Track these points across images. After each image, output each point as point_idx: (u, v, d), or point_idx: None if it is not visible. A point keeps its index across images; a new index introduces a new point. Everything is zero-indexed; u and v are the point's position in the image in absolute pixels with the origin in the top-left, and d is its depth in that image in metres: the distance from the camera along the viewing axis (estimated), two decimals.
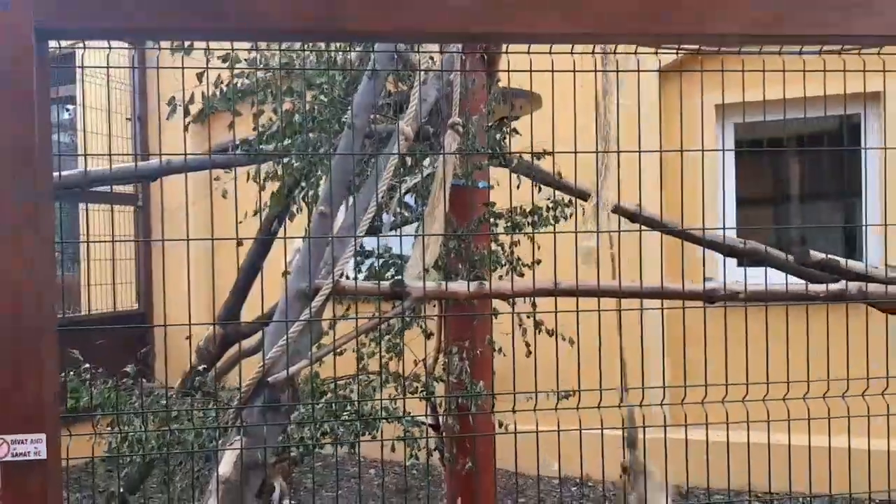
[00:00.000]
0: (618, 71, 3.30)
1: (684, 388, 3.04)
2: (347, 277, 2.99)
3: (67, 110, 8.02)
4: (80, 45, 2.38)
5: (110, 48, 2.23)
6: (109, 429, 2.89)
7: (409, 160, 3.29)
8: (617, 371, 2.94)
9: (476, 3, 1.81)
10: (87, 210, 6.76)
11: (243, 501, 2.48)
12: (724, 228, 4.16)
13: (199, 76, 2.83)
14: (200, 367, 4.23)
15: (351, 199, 2.93)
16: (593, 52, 3.26)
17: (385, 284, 2.75)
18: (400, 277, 2.76)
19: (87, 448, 3.05)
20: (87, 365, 3.00)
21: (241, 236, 2.67)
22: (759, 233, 6.42)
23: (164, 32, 2.05)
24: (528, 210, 3.65)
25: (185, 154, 2.85)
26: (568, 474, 5.93)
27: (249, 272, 4.46)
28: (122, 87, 6.73)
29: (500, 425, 3.56)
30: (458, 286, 2.75)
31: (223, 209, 2.75)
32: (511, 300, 3.61)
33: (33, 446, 1.79)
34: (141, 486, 4.25)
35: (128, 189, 7.04)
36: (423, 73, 2.96)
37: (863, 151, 5.14)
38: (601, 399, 2.90)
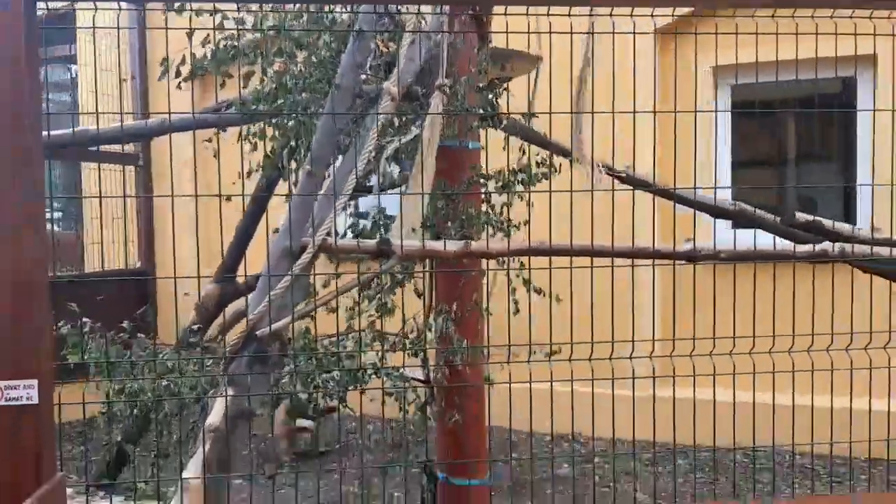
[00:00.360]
0: (613, 33, 3.31)
1: (673, 342, 3.11)
2: (338, 235, 3.07)
3: (69, 69, 8.05)
4: (75, 5, 2.43)
5: (96, 9, 2.28)
6: (106, 382, 2.99)
7: (396, 121, 3.34)
8: (608, 330, 2.98)
9: None
10: (99, 170, 6.83)
11: (230, 450, 2.58)
12: (714, 188, 4.18)
13: (189, 36, 2.87)
14: (196, 324, 4.33)
15: (339, 160, 2.99)
16: (591, 14, 3.29)
17: (370, 243, 2.81)
18: (386, 237, 2.82)
19: (88, 402, 3.16)
20: (86, 319, 3.09)
21: (236, 197, 2.74)
22: (757, 194, 6.47)
23: None
24: (517, 170, 3.70)
25: (170, 113, 2.88)
26: (560, 431, 6.04)
27: (245, 232, 4.54)
28: (122, 46, 6.75)
29: (488, 380, 3.66)
30: (440, 245, 2.81)
31: (223, 170, 2.83)
32: (501, 260, 3.69)
33: (25, 391, 1.88)
34: (139, 438, 4.38)
35: (130, 149, 7.09)
36: (409, 33, 2.98)
37: (857, 114, 5.14)
38: (592, 352, 2.95)
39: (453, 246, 2.88)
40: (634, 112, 3.12)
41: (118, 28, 3.91)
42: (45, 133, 2.47)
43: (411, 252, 2.84)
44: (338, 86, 2.81)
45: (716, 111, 3.65)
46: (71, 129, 4.12)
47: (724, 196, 5.02)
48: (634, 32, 3.21)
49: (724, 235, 4.30)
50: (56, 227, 8.64)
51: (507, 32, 3.16)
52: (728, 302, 3.52)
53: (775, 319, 3.55)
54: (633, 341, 3.26)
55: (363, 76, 3.38)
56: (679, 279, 5.18)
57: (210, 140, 3.19)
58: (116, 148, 6.76)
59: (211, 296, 4.73)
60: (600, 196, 3.21)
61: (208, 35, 3.19)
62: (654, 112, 3.75)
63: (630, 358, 3.38)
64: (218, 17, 3.25)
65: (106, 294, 4.44)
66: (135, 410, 3.08)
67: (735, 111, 5.78)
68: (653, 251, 2.94)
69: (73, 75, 7.60)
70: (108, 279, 6.58)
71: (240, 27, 3.27)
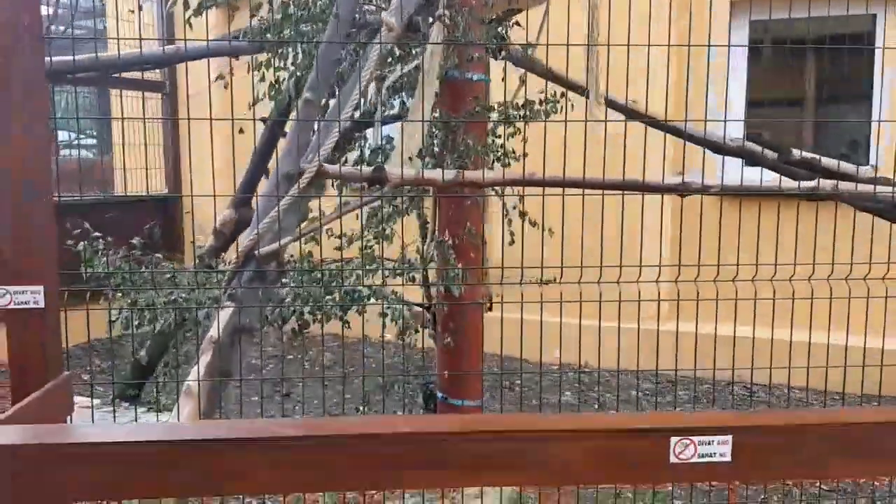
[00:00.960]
0: None
1: (679, 268, 3.20)
2: (346, 163, 3.20)
3: None
4: None
5: None
6: (121, 295, 3.19)
7: (397, 51, 3.42)
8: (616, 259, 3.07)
9: None
10: (121, 95, 7.00)
11: (230, 362, 2.77)
12: (724, 121, 4.19)
13: None
14: (215, 247, 4.52)
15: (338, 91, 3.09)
16: None
17: (366, 170, 2.93)
18: (380, 163, 2.94)
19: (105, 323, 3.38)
20: (98, 234, 3.28)
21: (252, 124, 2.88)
22: (781, 133, 6.44)
23: None
24: (520, 104, 3.77)
25: (185, 40, 2.99)
26: (566, 361, 6.21)
27: (261, 158, 4.68)
28: None
29: (486, 305, 3.81)
30: (435, 174, 2.93)
31: (239, 99, 2.96)
32: (499, 190, 3.80)
33: (32, 296, 2.07)
34: (161, 353, 4.62)
35: (156, 76, 7.25)
36: None
37: (877, 51, 5.08)
38: (601, 275, 3.05)
39: (448, 175, 2.99)
40: (649, 45, 3.16)
41: None
42: (55, 58, 2.59)
43: (406, 180, 2.96)
44: (336, 15, 2.89)
45: (728, 46, 3.64)
46: (95, 55, 4.27)
47: (737, 134, 5.04)
48: None
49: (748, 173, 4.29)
50: (89, 154, 8.91)
51: None
52: (733, 236, 3.61)
53: (777, 252, 3.64)
54: (640, 266, 3.33)
55: (367, 6, 3.46)
56: (686, 214, 5.25)
57: (221, 76, 3.30)
58: (141, 75, 6.91)
59: (228, 220, 4.92)
60: (611, 130, 3.27)
61: None
62: (668, 45, 3.77)
63: (637, 282, 3.46)
64: None
65: (133, 218, 4.65)
66: (148, 325, 3.29)
67: (750, 46, 5.72)
68: (642, 184, 3.01)
69: (101, 2, 7.72)
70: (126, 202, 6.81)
71: None
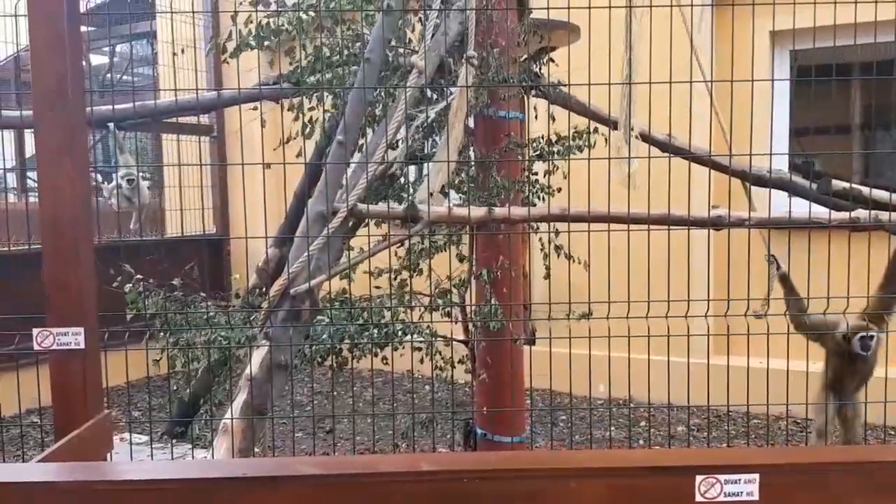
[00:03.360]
0: (672, 5, 3.33)
1: (728, 302, 3.16)
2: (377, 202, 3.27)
3: (151, 44, 8.50)
4: None
5: None
6: (163, 335, 3.29)
7: (429, 92, 3.48)
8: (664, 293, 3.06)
9: None
10: (178, 140, 7.24)
11: (271, 398, 2.82)
12: (770, 154, 4.14)
13: (234, 17, 3.09)
14: (258, 286, 4.61)
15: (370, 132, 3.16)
16: None
17: (398, 208, 2.98)
18: (412, 202, 2.99)
19: (153, 364, 3.49)
20: (140, 277, 3.40)
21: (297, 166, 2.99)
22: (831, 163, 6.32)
23: None
24: (553, 140, 3.80)
25: (218, 90, 3.11)
26: (616, 395, 6.12)
27: (303, 198, 4.78)
28: (198, 22, 7.10)
29: (522, 340, 3.80)
30: (463, 211, 2.96)
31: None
32: (535, 226, 3.81)
33: (74, 338, 2.15)
34: (208, 391, 4.71)
35: (205, 120, 7.48)
36: (437, 9, 3.11)
37: None
38: (648, 310, 3.02)
39: (477, 211, 3.02)
40: (691, 81, 3.16)
41: (192, 12, 4.21)
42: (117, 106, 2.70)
43: (437, 217, 3.00)
44: (367, 59, 2.97)
45: (772, 80, 3.63)
46: (154, 102, 4.45)
47: (782, 165, 4.96)
48: (692, 4, 3.24)
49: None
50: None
51: (547, 8, 3.25)
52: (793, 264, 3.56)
53: (829, 284, 3.57)
54: (688, 301, 3.29)
55: (400, 49, 3.54)
56: (733, 246, 5.18)
57: (263, 123, 3.44)
58: (193, 119, 7.15)
59: (272, 258, 5.02)
60: (655, 166, 3.26)
61: (250, 15, 3.40)
62: (710, 81, 3.75)
63: (685, 316, 3.40)
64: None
65: (185, 258, 4.77)
66: (185, 365, 3.38)
67: (793, 80, 5.66)
68: (668, 217, 3.00)
69: (155, 50, 8.02)
70: (172, 242, 7.00)
71: (280, 9, 3.47)
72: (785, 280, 3.56)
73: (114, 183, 4.63)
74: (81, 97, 2.19)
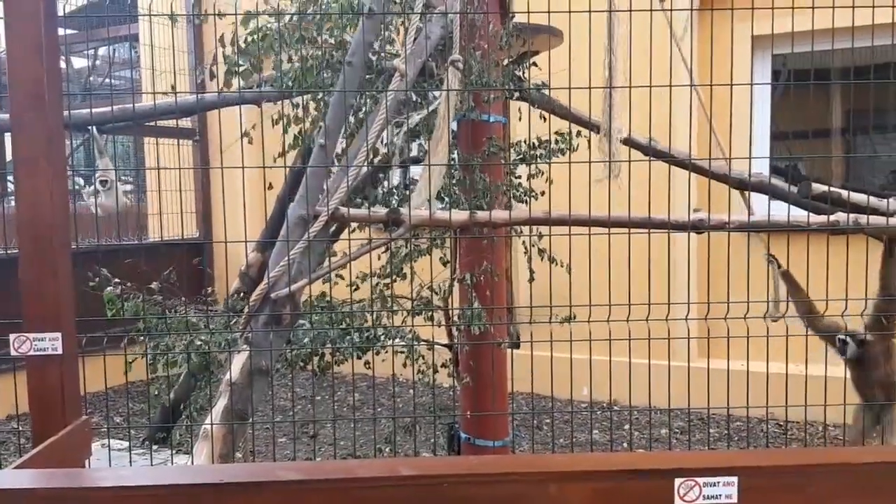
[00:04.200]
0: (651, 10, 3.34)
1: (707, 305, 3.18)
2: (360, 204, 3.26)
3: (134, 48, 8.44)
4: None
5: None
6: (142, 339, 3.26)
7: (413, 96, 3.48)
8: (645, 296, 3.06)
9: None
10: (156, 144, 7.20)
11: (251, 402, 2.80)
12: (749, 158, 4.17)
13: (220, 39, 3.08)
14: (240, 290, 4.59)
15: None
16: None
17: (380, 212, 2.98)
18: (395, 206, 2.98)
19: (137, 370, 3.46)
20: (118, 281, 3.37)
21: (275, 165, 2.98)
22: (815, 166, 6.37)
23: None
24: (536, 143, 3.80)
25: (198, 93, 3.09)
26: (596, 398, 6.14)
27: (285, 202, 4.77)
28: (181, 28, 7.07)
29: (505, 343, 3.80)
30: (446, 214, 2.96)
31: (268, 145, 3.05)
32: (518, 229, 3.82)
33: (51, 343, 2.13)
34: (189, 396, 4.68)
35: (187, 124, 7.44)
36: (418, 13, 3.11)
37: None
38: (629, 313, 3.03)
39: (459, 215, 3.02)
40: (671, 86, 3.17)
41: (171, 15, 4.19)
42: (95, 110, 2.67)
43: (419, 221, 3.00)
44: (349, 63, 2.96)
45: (751, 84, 3.65)
46: (132, 105, 4.42)
47: (763, 168, 5.00)
48: (672, 9, 3.25)
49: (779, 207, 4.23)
50: (126, 200, 9.13)
51: (528, 12, 3.25)
52: (762, 271, 3.58)
53: (808, 287, 3.59)
54: (668, 304, 3.30)
55: (382, 53, 3.53)
56: (713, 250, 5.22)
57: (247, 134, 3.42)
58: (175, 123, 7.10)
59: (254, 262, 5.00)
60: (636, 170, 3.28)
61: (234, 34, 3.39)
62: (691, 85, 3.77)
63: (666, 319, 3.41)
64: (242, 10, 3.45)
65: (166, 262, 4.73)
66: (165, 369, 3.35)
67: (773, 83, 5.71)
68: (649, 220, 3.01)
69: (137, 53, 7.97)
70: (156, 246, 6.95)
71: (260, 12, 3.45)
72: (787, 277, 3.58)
73: (93, 186, 4.59)
74: (59, 101, 2.17)
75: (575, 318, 3.44)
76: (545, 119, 3.83)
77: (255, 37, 3.52)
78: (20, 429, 5.29)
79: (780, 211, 3.78)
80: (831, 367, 3.64)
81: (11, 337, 2.11)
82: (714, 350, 5.36)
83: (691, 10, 4.46)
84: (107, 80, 9.18)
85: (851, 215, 3.33)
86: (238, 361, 2.81)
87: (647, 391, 3.65)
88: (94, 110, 3.79)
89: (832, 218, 3.33)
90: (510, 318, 4.37)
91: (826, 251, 3.38)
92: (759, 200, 4.46)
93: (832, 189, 3.60)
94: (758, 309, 3.41)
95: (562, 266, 3.50)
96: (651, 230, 3.26)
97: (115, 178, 5.31)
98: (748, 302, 3.35)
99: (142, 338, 3.30)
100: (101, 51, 9.25)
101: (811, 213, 3.53)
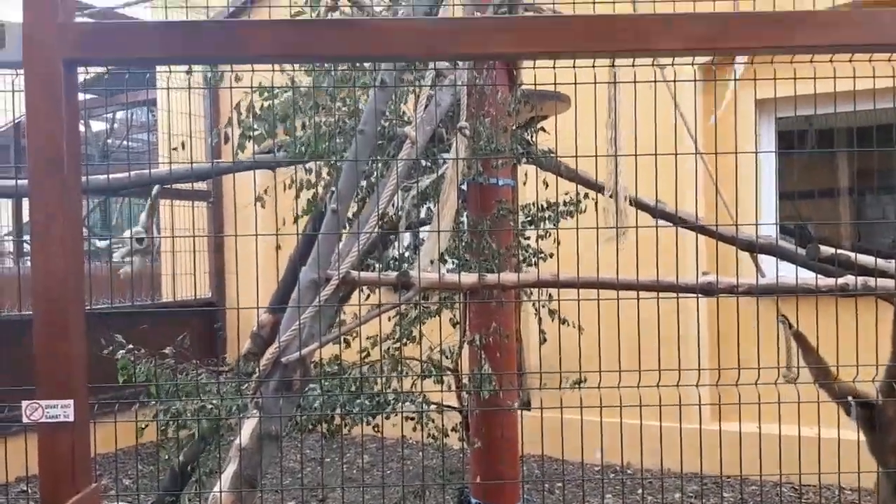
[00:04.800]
0: (655, 81, 3.40)
1: (718, 372, 3.17)
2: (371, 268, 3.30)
3: (151, 112, 8.64)
4: None
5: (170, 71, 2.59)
6: (153, 402, 3.28)
7: (423, 162, 3.55)
8: (654, 360, 3.06)
9: (433, 29, 2.05)
10: (171, 206, 7.32)
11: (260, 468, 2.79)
12: (756, 224, 4.21)
13: (236, 107, 3.18)
14: (251, 351, 4.61)
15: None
16: (612, 65, 3.40)
17: (391, 276, 3.01)
18: (405, 269, 3.01)
19: (145, 431, 3.47)
20: (131, 346, 3.40)
21: (288, 232, 3.04)
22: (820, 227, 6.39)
23: (171, 59, 2.37)
24: (544, 206, 3.85)
25: (213, 162, 3.17)
26: (608, 461, 6.07)
27: (295, 267, 4.81)
28: (198, 94, 7.25)
29: (517, 405, 3.79)
30: (454, 277, 2.99)
31: (281, 208, 3.13)
32: (528, 291, 3.84)
33: (63, 410, 2.14)
34: (196, 459, 4.66)
35: (202, 185, 7.56)
36: (428, 85, 3.20)
37: None
38: (640, 379, 3.02)
39: (468, 278, 3.05)
40: (676, 154, 3.23)
41: (189, 88, 4.31)
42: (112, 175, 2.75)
43: (429, 284, 3.02)
44: (361, 131, 3.03)
45: (756, 152, 3.70)
46: (148, 170, 4.52)
47: (770, 230, 5.03)
48: (675, 80, 3.32)
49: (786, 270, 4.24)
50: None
51: (535, 84, 3.33)
52: (772, 334, 3.58)
53: (819, 351, 3.58)
54: (678, 370, 3.30)
55: (394, 120, 3.62)
56: (723, 313, 5.21)
57: (261, 197, 3.50)
58: (191, 185, 7.23)
59: (266, 323, 5.02)
60: (643, 231, 3.31)
61: (250, 100, 3.49)
62: (696, 154, 3.81)
63: (677, 386, 3.41)
64: (257, 80, 3.56)
65: (178, 322, 4.78)
66: (175, 432, 3.36)
67: (780, 152, 5.79)
68: (657, 283, 3.03)
69: (154, 117, 8.16)
70: (170, 309, 7.00)
71: (277, 88, 3.55)
72: (800, 338, 3.56)
73: (125, 247, 4.63)
74: (77, 166, 2.22)
75: (585, 381, 3.44)
76: (547, 185, 3.88)
77: (271, 103, 3.62)
78: (29, 491, 5.26)
79: (789, 271, 3.81)
80: (845, 430, 3.60)
81: (24, 404, 2.12)
82: (726, 413, 5.31)
83: (695, 80, 4.53)
84: (124, 143, 9.38)
85: (860, 278, 3.34)
86: (248, 427, 2.81)
87: (659, 453, 3.62)
88: (111, 176, 3.88)
89: (841, 281, 3.33)
90: (521, 381, 4.36)
91: (835, 314, 3.38)
92: (767, 261, 4.48)
93: (840, 252, 3.61)
94: (769, 375, 3.39)
95: (573, 326, 3.51)
96: (660, 293, 3.28)
97: (150, 236, 5.35)
98: (759, 368, 3.34)
99: (153, 402, 3.31)
100: (119, 114, 9.48)
101: (820, 276, 3.53)
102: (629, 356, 3.05)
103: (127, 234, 4.87)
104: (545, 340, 3.67)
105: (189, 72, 3.37)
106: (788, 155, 6.05)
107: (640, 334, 2.99)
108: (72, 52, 2.13)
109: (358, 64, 3.44)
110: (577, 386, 3.34)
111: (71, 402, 2.15)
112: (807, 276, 3.61)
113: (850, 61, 2.65)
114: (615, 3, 2.79)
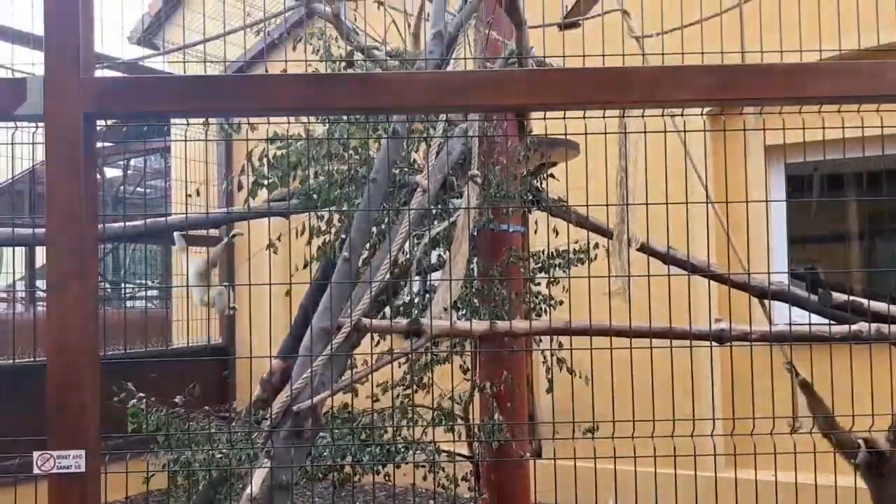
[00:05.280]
0: (665, 132, 3.43)
1: (733, 421, 3.14)
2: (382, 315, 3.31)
3: (164, 159, 8.76)
4: None
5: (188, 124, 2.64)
6: (163, 452, 3.27)
7: (434, 210, 3.58)
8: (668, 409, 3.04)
9: (444, 82, 2.09)
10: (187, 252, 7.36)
11: None
12: (768, 273, 4.19)
13: (248, 156, 3.24)
14: (261, 398, 4.59)
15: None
16: (622, 115, 3.43)
17: (402, 323, 3.01)
18: (416, 316, 3.02)
19: (155, 478, 3.45)
20: (142, 395, 3.41)
21: (300, 281, 3.06)
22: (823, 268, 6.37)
23: (189, 113, 2.41)
24: (555, 253, 3.86)
25: (228, 210, 3.20)
26: None
27: (306, 311, 4.82)
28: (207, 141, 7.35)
29: (527, 455, 3.75)
30: (466, 325, 2.99)
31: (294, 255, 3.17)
32: (538, 341, 3.83)
33: (74, 461, 2.14)
34: None
35: (215, 232, 7.62)
36: (440, 137, 3.24)
37: None
38: (654, 429, 3.00)
39: (479, 325, 3.05)
40: (687, 203, 3.24)
41: (206, 140, 4.38)
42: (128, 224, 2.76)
43: (440, 331, 3.03)
44: (373, 180, 3.07)
45: (767, 201, 3.73)
46: (165, 218, 4.57)
47: (782, 277, 5.00)
48: (685, 130, 3.36)
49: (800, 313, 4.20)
50: (152, 304, 9.29)
51: (546, 134, 3.36)
52: (786, 381, 3.55)
53: (833, 399, 3.54)
54: (693, 420, 3.28)
55: (404, 169, 3.65)
56: (736, 360, 5.17)
57: (273, 243, 3.54)
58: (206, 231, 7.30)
59: (276, 370, 5.02)
60: (655, 278, 3.31)
61: (264, 150, 3.55)
62: (707, 203, 3.82)
63: (692, 436, 3.37)
64: (272, 130, 3.62)
65: (190, 368, 4.76)
66: (184, 481, 3.34)
67: (788, 201, 5.81)
68: (670, 331, 3.02)
69: (168, 164, 8.27)
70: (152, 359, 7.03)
71: (291, 138, 3.60)
72: (807, 387, 3.52)
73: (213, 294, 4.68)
74: (94, 219, 2.25)
75: (598, 429, 3.41)
76: (557, 233, 3.90)
77: (285, 152, 3.67)
78: None
79: (802, 317, 3.79)
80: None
81: (35, 454, 2.12)
82: (741, 460, 5.23)
83: (704, 131, 4.57)
84: (138, 189, 9.49)
85: (873, 325, 3.32)
86: (259, 476, 2.80)
87: (674, 502, 3.57)
88: (127, 224, 3.92)
89: (854, 328, 3.32)
90: (532, 428, 4.32)
91: (849, 361, 3.35)
92: (779, 308, 4.45)
93: (853, 298, 3.60)
94: (783, 424, 3.35)
95: (579, 376, 3.49)
96: (672, 340, 3.27)
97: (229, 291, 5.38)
98: (773, 417, 3.30)
99: (162, 451, 3.30)
100: (133, 161, 9.61)
101: (833, 323, 3.52)
102: (642, 403, 3.03)
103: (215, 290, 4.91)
104: (550, 389, 3.64)
105: (206, 123, 3.43)
106: (798, 193, 6.07)
107: (652, 381, 2.97)
108: (92, 107, 2.17)
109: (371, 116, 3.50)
110: (589, 433, 3.31)
111: (82, 452, 2.15)
112: (820, 322, 3.60)
113: (858, 111, 2.67)
114: (625, 56, 2.83)
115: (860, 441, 3.41)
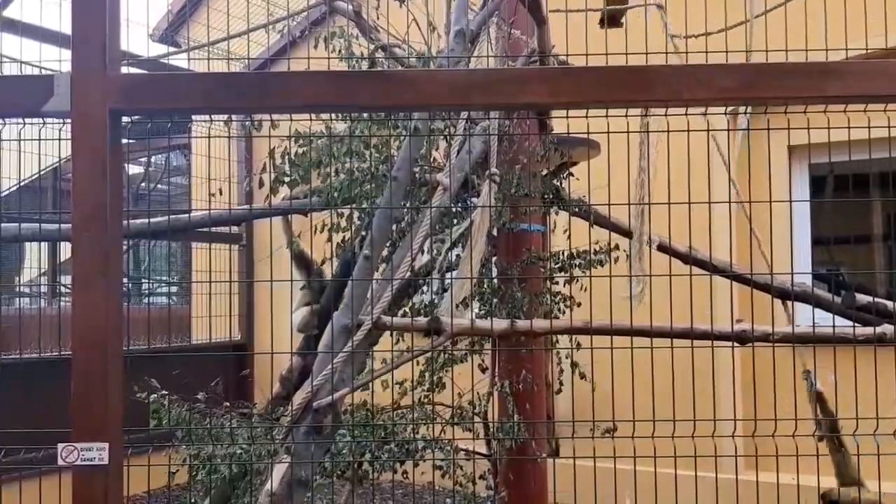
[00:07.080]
0: (688, 131, 3.41)
1: (755, 423, 3.12)
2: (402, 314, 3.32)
3: (185, 156, 8.83)
4: None
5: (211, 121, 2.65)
6: (184, 447, 3.29)
7: (454, 208, 3.58)
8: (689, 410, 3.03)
9: (466, 80, 2.09)
10: (209, 248, 7.43)
11: None
12: (791, 273, 4.15)
13: (271, 154, 3.26)
14: (281, 395, 4.62)
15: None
16: (645, 115, 3.41)
17: (422, 321, 3.02)
18: (436, 315, 3.02)
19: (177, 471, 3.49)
20: (164, 392, 3.44)
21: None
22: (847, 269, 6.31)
23: (213, 109, 2.43)
24: (575, 254, 3.85)
25: (251, 207, 3.22)
26: None
27: (326, 310, 4.84)
28: (232, 139, 7.41)
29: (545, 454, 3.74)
30: (485, 323, 2.99)
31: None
32: (555, 338, 3.82)
33: (98, 453, 2.16)
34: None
35: (234, 228, 7.68)
36: (461, 135, 3.24)
37: None
38: (674, 430, 2.99)
39: (499, 324, 3.05)
40: (710, 202, 3.22)
41: (228, 137, 4.41)
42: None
43: (460, 330, 3.03)
44: (394, 178, 3.08)
45: (790, 201, 3.69)
46: (188, 215, 4.61)
47: (805, 278, 4.96)
48: (708, 129, 3.34)
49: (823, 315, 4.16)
50: (173, 300, 9.38)
51: (567, 133, 3.34)
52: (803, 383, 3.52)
53: (858, 400, 3.50)
54: (714, 420, 3.26)
55: (424, 167, 3.66)
56: (758, 361, 5.13)
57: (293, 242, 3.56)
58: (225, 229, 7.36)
59: (295, 367, 5.04)
60: (677, 279, 3.29)
61: (285, 147, 3.57)
62: (729, 202, 3.79)
63: (712, 436, 3.35)
64: (294, 127, 3.63)
65: (210, 364, 4.79)
66: (206, 476, 3.36)
67: (812, 201, 5.76)
68: (691, 331, 3.00)
69: (188, 161, 8.33)
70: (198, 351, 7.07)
71: (313, 136, 3.62)
72: (818, 398, 3.49)
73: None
74: (119, 218, 2.28)
75: (616, 429, 3.39)
76: (569, 237, 3.88)
77: (307, 149, 3.68)
78: None
79: (825, 318, 3.75)
80: (886, 482, 3.50)
81: (59, 446, 2.15)
82: (762, 462, 5.19)
83: (728, 130, 4.53)
84: (159, 186, 9.57)
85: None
86: (279, 472, 2.81)
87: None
88: (151, 220, 3.96)
89: (878, 330, 3.28)
90: (550, 427, 4.31)
91: (874, 363, 3.31)
92: (802, 309, 4.40)
93: (877, 300, 3.56)
94: (806, 426, 3.32)
95: (585, 379, 3.48)
96: (694, 341, 3.25)
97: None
98: (796, 419, 3.27)
99: (184, 446, 3.33)
100: (154, 158, 9.68)
101: (857, 325, 3.48)
102: (663, 404, 3.02)
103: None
104: (560, 391, 3.64)
105: (228, 121, 3.46)
106: (823, 193, 6.01)
107: (674, 384, 2.96)
108: (118, 103, 2.19)
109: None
110: (608, 433, 3.30)
111: (106, 444, 2.17)
112: (844, 324, 3.56)
113: (885, 110, 2.64)
114: (648, 55, 2.82)
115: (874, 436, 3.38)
